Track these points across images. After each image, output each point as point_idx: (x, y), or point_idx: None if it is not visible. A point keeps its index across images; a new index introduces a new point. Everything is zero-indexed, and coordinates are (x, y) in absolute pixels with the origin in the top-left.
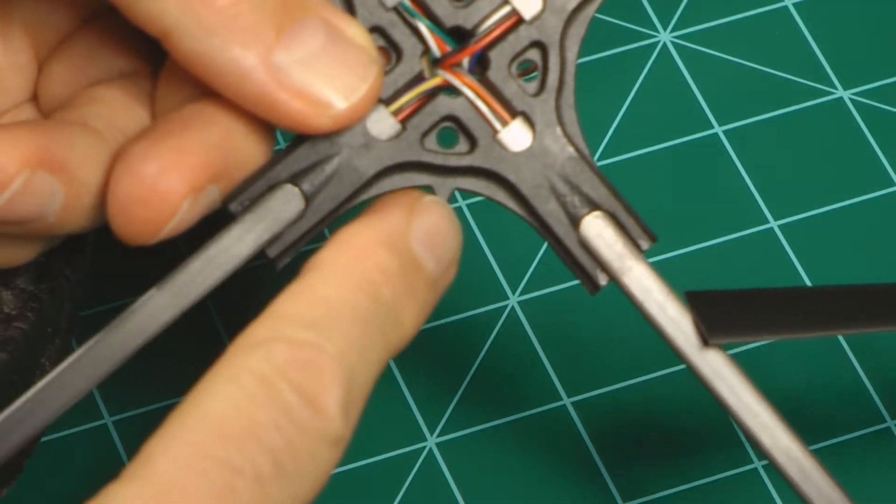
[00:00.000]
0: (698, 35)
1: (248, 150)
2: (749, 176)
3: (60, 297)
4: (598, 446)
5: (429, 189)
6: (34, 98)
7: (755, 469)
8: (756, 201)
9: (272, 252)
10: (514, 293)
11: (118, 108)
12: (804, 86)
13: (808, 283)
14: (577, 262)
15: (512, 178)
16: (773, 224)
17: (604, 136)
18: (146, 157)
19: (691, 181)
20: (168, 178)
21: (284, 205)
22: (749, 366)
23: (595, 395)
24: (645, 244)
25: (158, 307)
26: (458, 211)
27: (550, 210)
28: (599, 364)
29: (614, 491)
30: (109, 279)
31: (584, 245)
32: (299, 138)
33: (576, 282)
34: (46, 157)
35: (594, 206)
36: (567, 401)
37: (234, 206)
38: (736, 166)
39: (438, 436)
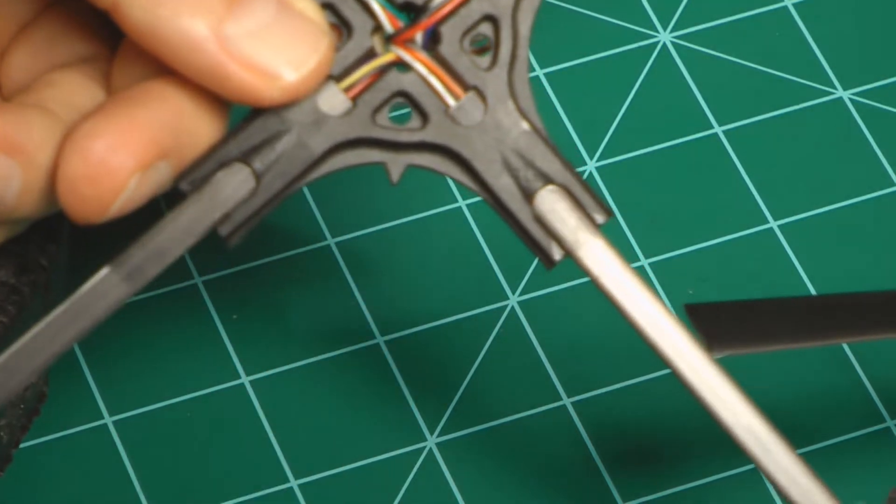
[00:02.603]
0: (698, 35)
1: (201, 128)
2: (749, 176)
3: (41, 289)
4: (598, 446)
5: (382, 166)
6: None
7: (755, 469)
8: (756, 201)
9: (224, 231)
10: (514, 293)
11: (77, 91)
12: (804, 86)
13: (808, 284)
14: (532, 237)
15: (464, 152)
16: (773, 224)
17: (604, 136)
18: (93, 134)
19: (691, 181)
20: (114, 154)
21: (234, 183)
22: (748, 366)
23: (595, 395)
24: (600, 218)
25: (112, 287)
26: (458, 211)
27: (503, 185)
28: (599, 364)
29: (614, 491)
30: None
31: (538, 219)
32: (250, 116)
33: (576, 282)
34: (3, 138)
35: (548, 180)
36: (567, 401)
37: (184, 185)
38: (736, 166)
39: (438, 436)
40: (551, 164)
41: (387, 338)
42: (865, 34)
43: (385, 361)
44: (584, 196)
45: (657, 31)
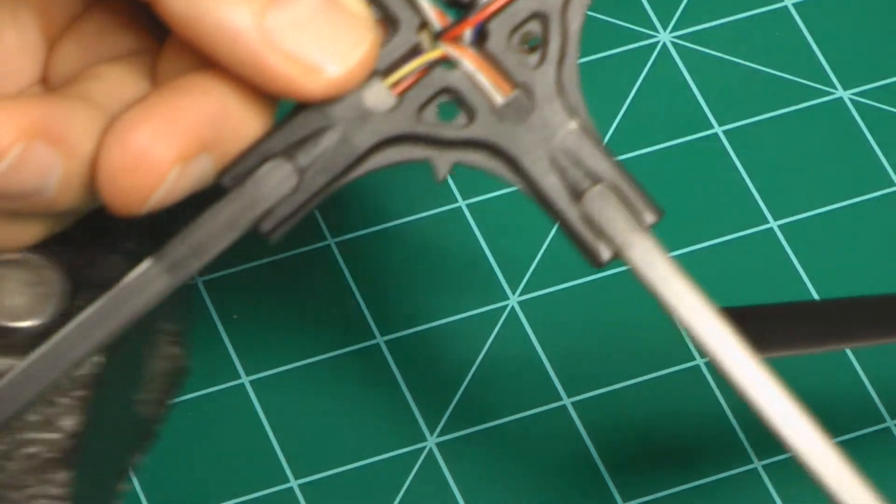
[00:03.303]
0: (698, 35)
1: (244, 122)
2: (749, 176)
3: None
4: (598, 446)
5: (427, 163)
6: (44, 81)
7: (755, 469)
8: (756, 201)
9: (265, 227)
10: (514, 293)
11: (122, 84)
12: (804, 86)
13: (808, 284)
14: (579, 237)
15: (511, 150)
16: (773, 224)
17: (604, 136)
18: (134, 126)
19: (691, 181)
20: (154, 145)
21: (277, 179)
22: None
23: (595, 395)
24: (650, 218)
25: (153, 280)
26: (458, 211)
27: (550, 183)
28: (599, 364)
29: (614, 491)
30: None
31: (586, 219)
32: (294, 111)
33: (576, 281)
34: (44, 128)
35: (596, 179)
36: (567, 401)
37: (226, 180)
38: (736, 166)
39: (438, 436)
40: (600, 163)
41: (387, 338)
42: (865, 34)
43: (385, 361)
44: (633, 195)
45: (657, 31)
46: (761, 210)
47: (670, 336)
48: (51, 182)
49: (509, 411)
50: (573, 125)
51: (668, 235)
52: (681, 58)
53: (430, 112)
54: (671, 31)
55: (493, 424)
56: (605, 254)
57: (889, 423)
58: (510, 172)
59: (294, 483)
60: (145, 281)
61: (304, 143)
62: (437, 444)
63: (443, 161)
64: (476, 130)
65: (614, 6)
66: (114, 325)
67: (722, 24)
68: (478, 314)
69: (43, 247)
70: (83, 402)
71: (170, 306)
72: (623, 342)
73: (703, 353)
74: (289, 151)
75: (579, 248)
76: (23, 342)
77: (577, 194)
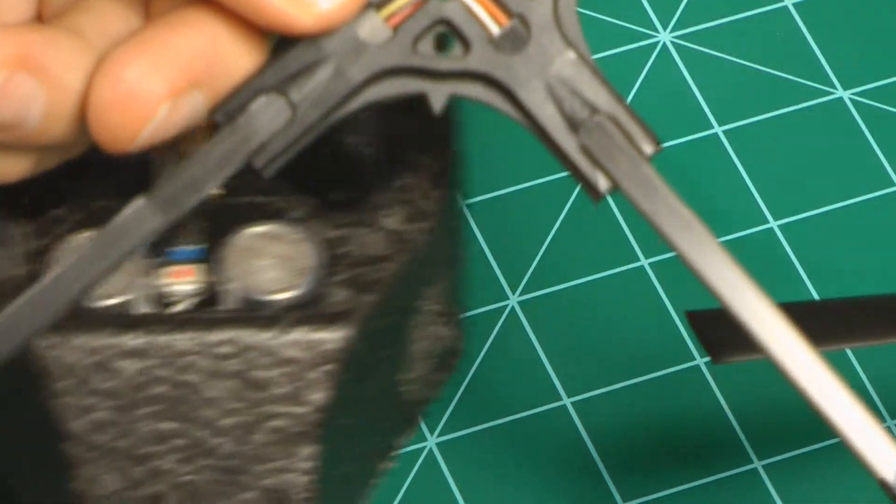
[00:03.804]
0: (698, 35)
1: (237, 58)
2: (749, 176)
3: (428, 235)
4: (598, 446)
5: (423, 96)
6: (39, 18)
7: (755, 469)
8: (756, 201)
9: (258, 163)
10: (514, 293)
11: (113, 18)
12: (804, 86)
13: (808, 284)
14: (577, 168)
15: (507, 81)
16: (773, 224)
17: None
18: (125, 61)
19: (691, 181)
20: (144, 80)
21: (270, 114)
22: (749, 365)
23: (595, 395)
24: (648, 149)
25: (146, 218)
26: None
27: (548, 114)
28: (599, 364)
29: (614, 491)
30: None
31: (584, 150)
32: (287, 45)
33: (576, 281)
34: (26, 57)
35: (594, 109)
36: (567, 401)
37: (218, 116)
38: (736, 166)
39: (438, 436)
40: (598, 93)
41: None
42: (865, 34)
43: None
44: (631, 126)
45: (657, 31)
46: (761, 210)
47: (670, 336)
48: (33, 113)
49: (509, 411)
50: (571, 55)
51: None
52: (681, 58)
53: (426, 44)
54: (671, 31)
55: (493, 424)
56: (604, 184)
57: (889, 422)
58: (507, 104)
59: None
60: (138, 219)
61: (297, 77)
62: (437, 444)
63: (438, 93)
64: (472, 62)
65: (614, 6)
66: (107, 263)
67: (722, 24)
68: (478, 314)
69: (298, 220)
70: (332, 378)
71: (437, 286)
72: (623, 342)
73: (699, 279)
74: (282, 86)
75: (577, 179)
76: (277, 315)
77: (574, 125)
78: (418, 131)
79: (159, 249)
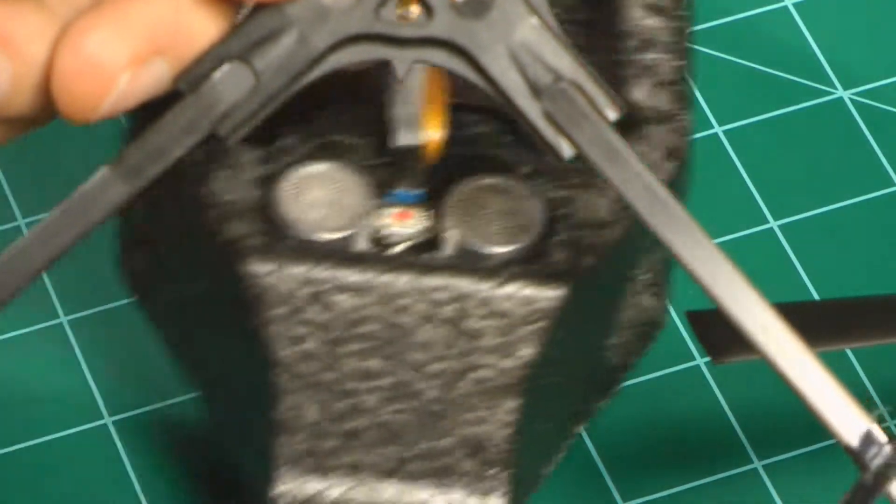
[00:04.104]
0: (698, 35)
1: (200, 26)
2: (749, 176)
3: None
4: (598, 446)
5: (387, 63)
6: None
7: (755, 469)
8: (756, 201)
9: (223, 130)
10: None
11: None
12: (804, 86)
13: (809, 284)
14: (541, 134)
15: (470, 47)
16: (773, 224)
17: None
18: (85, 31)
19: (691, 181)
20: (105, 48)
21: (233, 81)
22: (749, 365)
23: None
24: (612, 114)
25: (110, 187)
26: None
27: (511, 80)
28: None
29: (614, 491)
30: None
31: (548, 116)
32: (250, 13)
33: None
34: None
35: (557, 75)
36: None
37: (182, 85)
38: (736, 166)
39: None
40: (561, 60)
41: None
42: (865, 34)
43: None
44: (594, 91)
45: None
46: (761, 210)
47: (670, 336)
48: (0, 85)
49: None
50: (534, 20)
51: None
52: None
53: (389, 10)
54: None
55: None
56: (567, 150)
57: (889, 422)
58: (470, 71)
59: None
60: (102, 188)
61: (261, 44)
62: None
63: (402, 61)
64: (435, 28)
65: None
66: (71, 234)
67: (722, 24)
68: None
69: (525, 177)
70: (542, 335)
71: (652, 258)
72: None
73: (659, 238)
74: (245, 54)
75: (542, 146)
76: (495, 268)
77: (538, 91)
78: (655, 105)
79: (383, 190)
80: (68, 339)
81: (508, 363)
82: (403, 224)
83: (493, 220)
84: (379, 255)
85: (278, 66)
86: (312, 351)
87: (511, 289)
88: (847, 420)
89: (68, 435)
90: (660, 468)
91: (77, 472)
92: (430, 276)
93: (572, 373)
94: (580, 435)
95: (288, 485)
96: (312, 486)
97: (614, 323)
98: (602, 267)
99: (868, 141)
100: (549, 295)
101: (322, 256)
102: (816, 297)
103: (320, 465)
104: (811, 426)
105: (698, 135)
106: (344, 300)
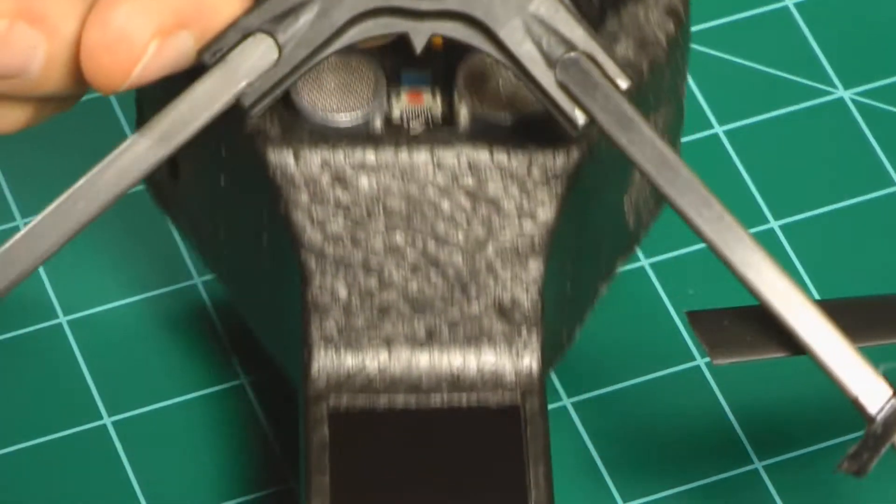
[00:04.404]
0: (699, 35)
1: (224, 0)
2: (749, 176)
3: (658, 66)
4: (598, 446)
5: (405, 36)
6: None
7: (755, 469)
8: (756, 201)
9: (246, 101)
10: None
11: None
12: (804, 86)
13: (809, 284)
14: (556, 104)
15: (486, 19)
16: (773, 224)
17: None
18: (113, 5)
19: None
20: (132, 21)
21: (257, 54)
22: (749, 366)
23: (595, 395)
24: (623, 83)
25: (141, 152)
26: None
27: (526, 51)
28: (599, 364)
29: (614, 491)
30: None
31: (562, 86)
32: None
33: None
34: (26, 8)
35: (570, 46)
36: (567, 401)
37: (207, 57)
38: (736, 166)
39: None
40: (574, 31)
41: None
42: (865, 34)
43: None
44: (606, 62)
45: None
46: (761, 210)
47: (670, 336)
48: (34, 63)
49: None
50: None
51: (667, 235)
52: None
53: None
54: None
55: None
56: (581, 119)
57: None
58: (486, 43)
59: (295, 484)
60: (133, 154)
61: (283, 18)
62: None
63: (419, 33)
64: (451, 1)
65: None
66: (103, 198)
67: (722, 24)
68: None
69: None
70: (560, 196)
71: (663, 116)
72: (623, 342)
73: (671, 204)
74: (269, 27)
75: (556, 114)
76: (510, 135)
77: (552, 61)
78: None
79: (394, 74)
80: (69, 339)
81: (529, 226)
82: (416, 104)
83: (503, 91)
84: (397, 133)
85: (300, 39)
86: (337, 231)
87: (527, 154)
88: (856, 374)
89: (68, 435)
90: (660, 468)
91: (77, 472)
92: (447, 149)
93: (593, 233)
94: (580, 435)
95: (324, 364)
96: (348, 363)
97: (634, 183)
98: None
99: (868, 141)
100: (564, 156)
101: (340, 140)
102: (817, 297)
103: (354, 342)
104: (811, 426)
105: (698, 135)
106: (365, 180)
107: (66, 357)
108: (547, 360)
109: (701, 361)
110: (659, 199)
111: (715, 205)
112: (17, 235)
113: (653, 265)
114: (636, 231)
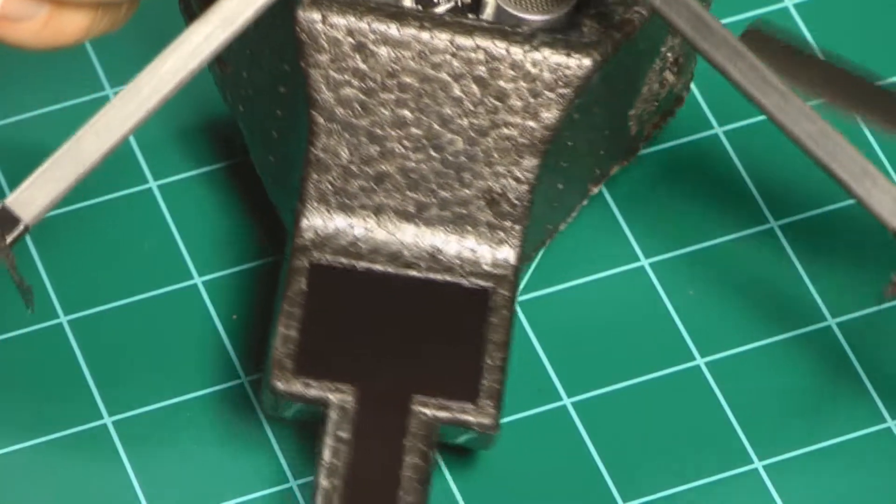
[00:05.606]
0: None
1: None
2: (749, 177)
3: None
4: (598, 446)
5: None
6: None
7: (755, 469)
8: (756, 202)
9: None
10: None
11: None
12: None
13: (809, 284)
14: None
15: None
16: (773, 224)
17: None
18: None
19: (691, 181)
20: None
21: None
22: (749, 366)
23: (595, 395)
24: None
25: (210, 34)
26: None
27: None
28: (599, 364)
29: (614, 491)
30: None
31: None
32: None
33: (576, 282)
34: None
35: None
36: (567, 401)
37: None
38: (736, 167)
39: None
40: None
41: None
42: (865, 34)
43: None
44: None
45: None
46: (761, 210)
47: (670, 336)
48: None
49: (509, 412)
50: None
51: (667, 235)
52: None
53: None
54: None
55: None
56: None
57: (889, 423)
58: None
59: (294, 483)
60: (203, 34)
61: None
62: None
63: None
64: None
65: None
66: (179, 77)
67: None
68: None
69: None
70: (566, 100)
71: (671, 35)
72: (623, 342)
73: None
74: None
75: None
76: (531, 34)
77: None
78: None
79: None
80: (69, 339)
81: (531, 124)
82: None
83: None
84: (423, 12)
85: None
86: (350, 96)
87: (542, 55)
88: (893, 205)
89: (69, 434)
90: (660, 468)
91: (77, 472)
92: (467, 36)
93: (594, 138)
94: (580, 435)
95: (315, 220)
96: (337, 222)
97: (637, 95)
98: (630, 41)
99: (868, 141)
100: (577, 63)
101: (369, 10)
102: (816, 296)
103: (346, 204)
104: (811, 426)
105: (698, 135)
106: (384, 52)
107: (66, 357)
108: (525, 255)
109: (701, 361)
110: (663, 113)
111: (748, 56)
112: (107, 105)
113: (652, 265)
114: (636, 141)
